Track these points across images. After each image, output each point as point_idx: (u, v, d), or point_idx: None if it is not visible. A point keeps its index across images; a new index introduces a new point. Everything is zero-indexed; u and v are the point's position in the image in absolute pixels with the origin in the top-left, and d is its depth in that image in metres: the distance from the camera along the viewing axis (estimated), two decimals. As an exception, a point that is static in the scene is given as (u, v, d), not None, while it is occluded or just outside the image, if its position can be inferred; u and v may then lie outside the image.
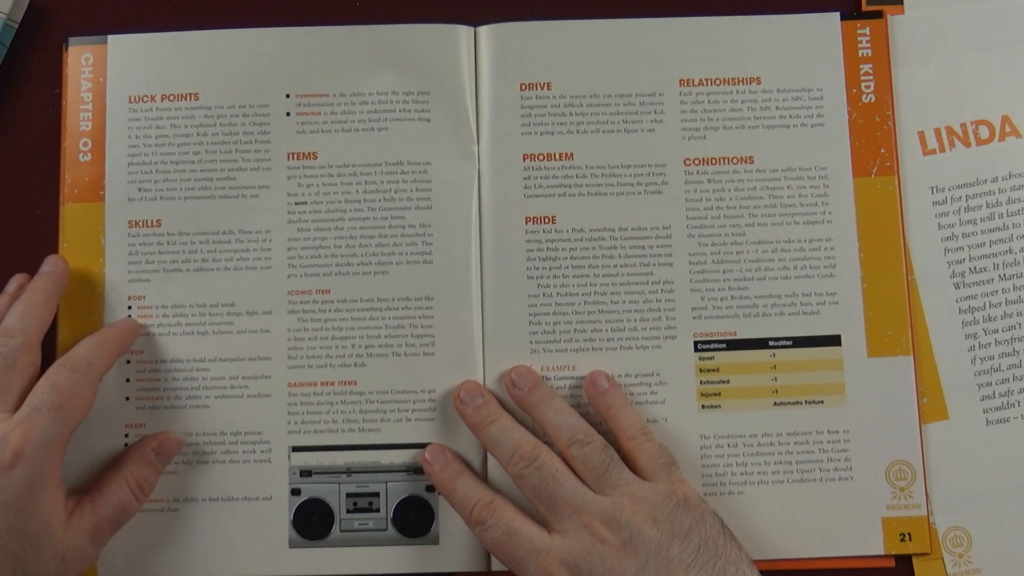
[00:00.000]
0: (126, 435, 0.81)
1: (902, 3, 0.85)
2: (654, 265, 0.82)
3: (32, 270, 0.81)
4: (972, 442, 0.81)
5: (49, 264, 0.80)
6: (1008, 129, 0.83)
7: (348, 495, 0.81)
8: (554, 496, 0.73)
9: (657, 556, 0.71)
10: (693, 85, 0.84)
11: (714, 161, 0.83)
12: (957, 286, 0.82)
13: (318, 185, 0.82)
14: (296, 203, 0.82)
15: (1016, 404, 0.81)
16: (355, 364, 0.81)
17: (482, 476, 0.80)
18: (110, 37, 0.84)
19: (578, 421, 0.77)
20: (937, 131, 0.84)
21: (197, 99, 0.84)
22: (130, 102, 0.84)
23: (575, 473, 0.75)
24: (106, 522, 0.75)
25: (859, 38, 0.84)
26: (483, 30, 0.84)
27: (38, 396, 0.72)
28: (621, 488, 0.74)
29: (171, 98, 0.84)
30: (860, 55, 0.84)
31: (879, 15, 0.84)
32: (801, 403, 0.81)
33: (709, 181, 0.83)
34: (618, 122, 0.83)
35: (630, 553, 0.71)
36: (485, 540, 0.75)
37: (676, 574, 0.70)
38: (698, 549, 0.71)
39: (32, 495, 0.70)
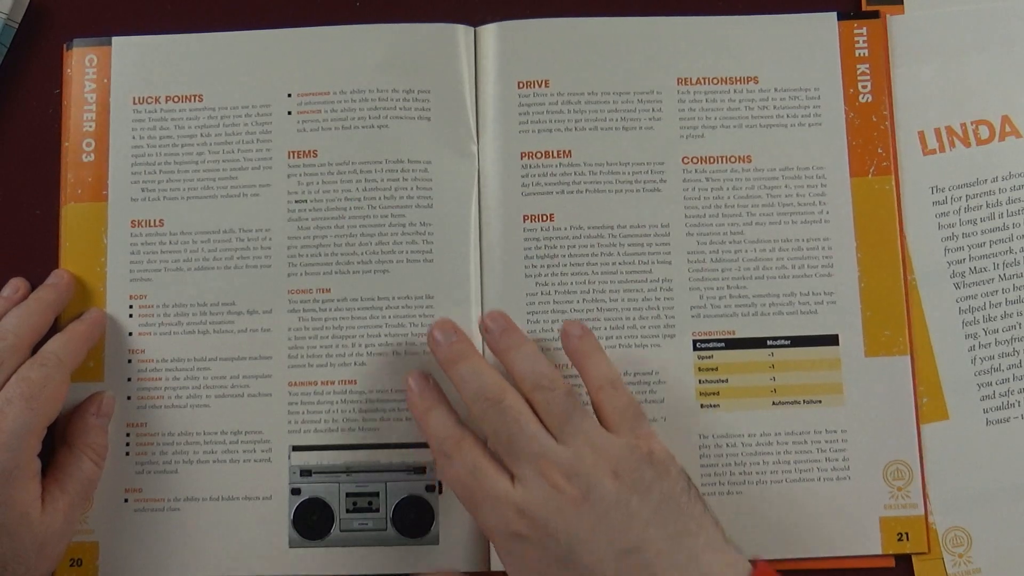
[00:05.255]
0: (127, 434, 0.81)
1: (902, 3, 0.85)
2: (653, 263, 0.82)
3: (32, 270, 0.82)
4: (972, 442, 0.81)
5: (54, 277, 0.82)
6: (1008, 129, 0.83)
7: (348, 495, 0.81)
8: (514, 440, 0.71)
9: (616, 510, 0.68)
10: (691, 84, 0.84)
11: (712, 160, 0.83)
12: (957, 286, 0.82)
13: (318, 183, 0.83)
14: (296, 201, 0.82)
15: (1016, 404, 0.81)
16: (355, 363, 0.81)
17: None
18: (114, 39, 0.85)
19: (545, 367, 0.75)
20: (937, 131, 0.84)
21: (201, 100, 0.84)
22: (134, 103, 0.84)
23: (540, 420, 0.73)
24: (78, 498, 0.77)
25: (856, 38, 0.84)
26: (482, 29, 0.84)
27: (9, 390, 0.73)
28: (583, 438, 0.71)
29: (175, 99, 0.84)
30: (857, 55, 0.84)
31: (876, 15, 0.85)
32: (799, 403, 0.81)
33: (707, 180, 0.83)
34: (616, 120, 0.83)
35: (588, 506, 0.68)
36: (448, 475, 0.73)
37: (634, 529, 0.68)
38: (659, 505, 0.69)
39: (8, 486, 0.71)
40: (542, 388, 0.73)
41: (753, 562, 0.68)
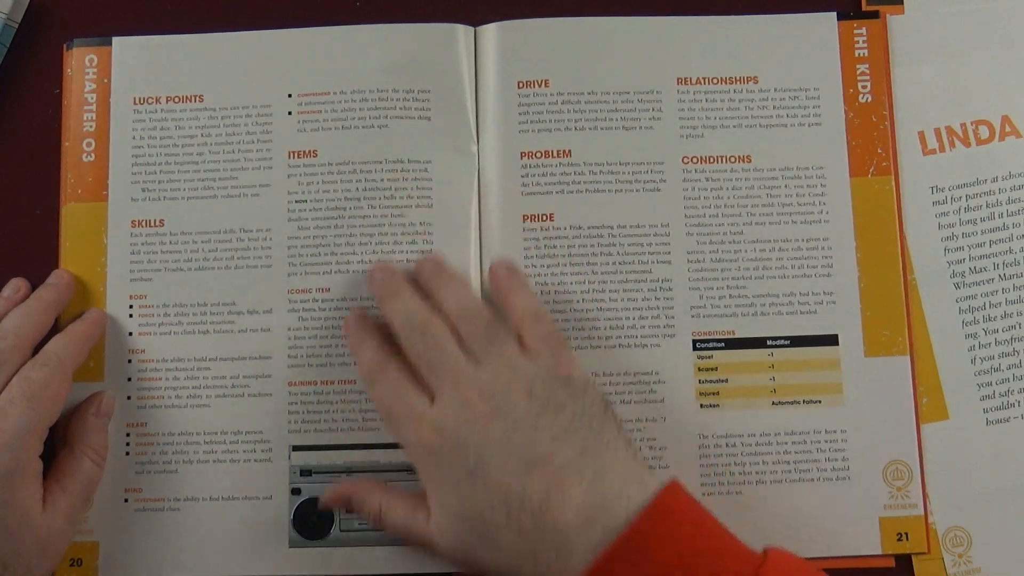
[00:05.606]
0: (127, 434, 0.81)
1: (902, 3, 0.85)
2: (652, 263, 0.82)
3: (32, 270, 0.82)
4: (972, 442, 0.81)
5: (55, 277, 0.82)
6: (1008, 129, 0.83)
7: (348, 495, 0.81)
8: (434, 361, 0.73)
9: (525, 425, 0.70)
10: (691, 84, 0.84)
11: (712, 160, 0.83)
12: (957, 286, 0.82)
13: (318, 183, 0.83)
14: (296, 201, 0.82)
15: (1016, 404, 0.81)
16: (355, 363, 0.81)
17: None
18: (115, 39, 0.85)
19: (471, 298, 0.76)
20: (937, 131, 0.84)
21: (201, 100, 0.84)
22: (134, 103, 0.85)
23: (464, 346, 0.74)
24: (79, 499, 0.77)
25: (856, 38, 0.84)
26: (482, 29, 0.84)
27: (11, 391, 0.73)
28: (502, 360, 0.72)
29: (176, 100, 0.84)
30: (857, 55, 0.84)
31: (876, 15, 0.85)
32: (799, 402, 0.81)
33: (707, 180, 0.83)
34: (616, 119, 0.83)
35: (498, 421, 0.70)
36: (374, 398, 0.75)
37: (541, 443, 0.69)
38: (570, 423, 0.70)
39: (9, 487, 0.71)
40: (466, 317, 0.75)
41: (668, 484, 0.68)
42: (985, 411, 0.81)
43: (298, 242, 0.82)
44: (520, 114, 0.83)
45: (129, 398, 0.81)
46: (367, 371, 0.75)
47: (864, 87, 0.84)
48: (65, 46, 0.85)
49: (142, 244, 0.83)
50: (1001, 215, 0.82)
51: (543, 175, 0.82)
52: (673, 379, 0.81)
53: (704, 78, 0.84)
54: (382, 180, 0.82)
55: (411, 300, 0.76)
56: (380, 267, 0.79)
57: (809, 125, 0.83)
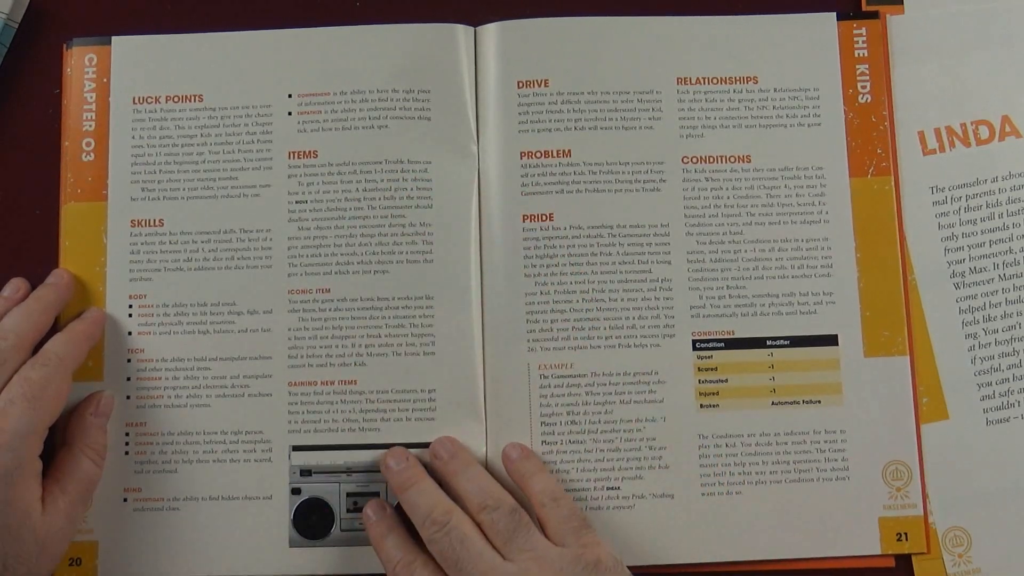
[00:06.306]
0: (127, 434, 0.81)
1: (902, 3, 0.85)
2: (652, 263, 0.82)
3: (32, 270, 0.82)
4: (972, 442, 0.81)
5: (54, 276, 0.82)
6: (1008, 129, 0.83)
7: (348, 495, 0.81)
8: (460, 561, 0.72)
9: None
10: (691, 84, 0.84)
11: (712, 160, 0.83)
12: (957, 286, 0.82)
13: (318, 184, 0.83)
14: (297, 202, 0.82)
15: (1016, 404, 0.81)
16: (355, 363, 0.81)
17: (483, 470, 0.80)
18: (114, 38, 0.85)
19: (489, 485, 0.76)
20: (937, 131, 0.84)
21: (201, 100, 0.84)
22: (134, 103, 0.84)
23: (487, 538, 0.74)
24: (78, 498, 0.77)
25: (855, 38, 0.84)
26: (482, 29, 0.84)
27: (11, 390, 0.73)
28: (528, 553, 0.72)
29: (175, 99, 0.84)
30: (856, 55, 0.84)
31: (876, 15, 0.85)
32: (799, 403, 0.81)
33: (707, 180, 0.83)
34: (616, 119, 0.83)
35: None
36: None
37: None
38: None
39: (10, 487, 0.71)
40: (487, 508, 0.75)
41: None
42: (985, 411, 0.81)
43: (298, 242, 0.82)
44: (520, 114, 0.83)
45: (128, 398, 0.81)
46: (392, 570, 0.75)
47: (864, 87, 0.84)
48: (65, 46, 0.85)
49: (142, 244, 0.83)
50: (1001, 215, 0.82)
51: (543, 175, 0.82)
52: (673, 379, 0.81)
53: (704, 78, 0.84)
54: (382, 180, 0.82)
55: (430, 491, 0.76)
56: (393, 454, 0.79)
57: (809, 125, 0.83)
